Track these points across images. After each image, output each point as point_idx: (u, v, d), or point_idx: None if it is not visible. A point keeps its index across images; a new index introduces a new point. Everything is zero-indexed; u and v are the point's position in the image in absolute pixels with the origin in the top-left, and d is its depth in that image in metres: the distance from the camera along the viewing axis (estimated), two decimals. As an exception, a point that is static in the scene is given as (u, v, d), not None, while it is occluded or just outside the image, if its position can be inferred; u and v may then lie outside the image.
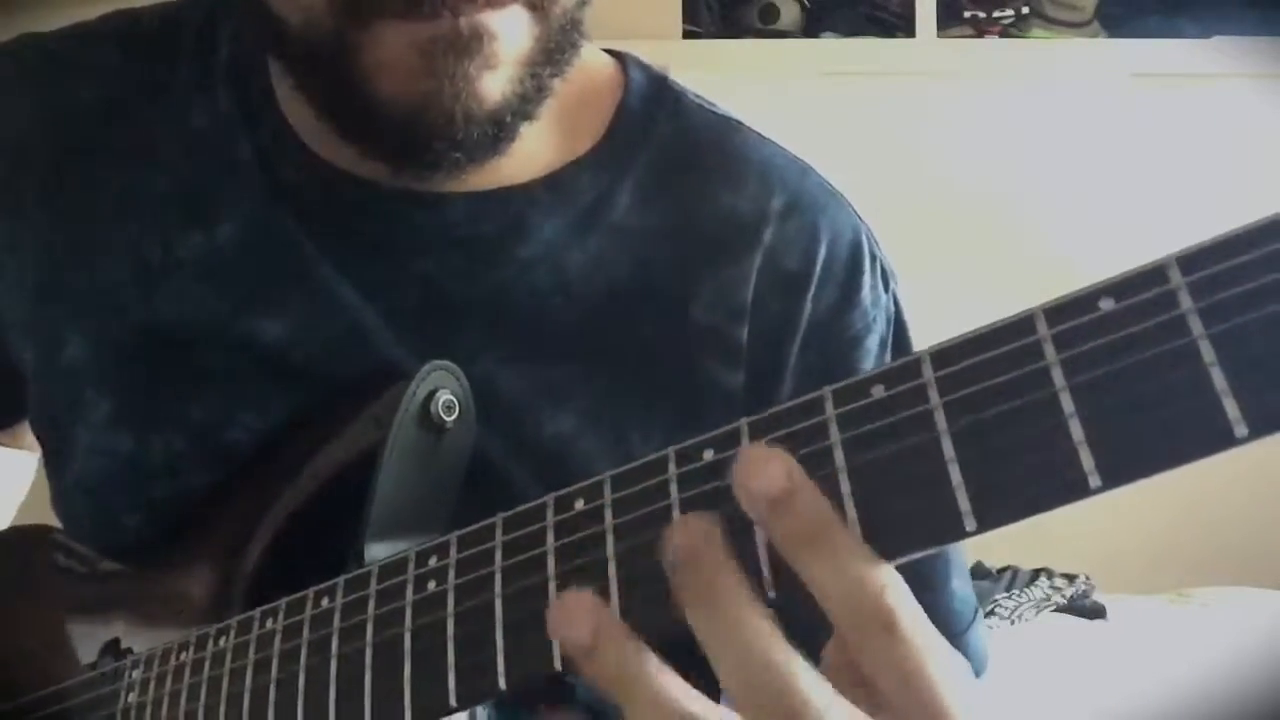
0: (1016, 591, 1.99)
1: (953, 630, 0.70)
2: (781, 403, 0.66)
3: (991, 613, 1.94)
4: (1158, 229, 2.33)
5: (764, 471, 0.38)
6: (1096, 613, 1.96)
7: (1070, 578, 2.02)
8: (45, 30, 0.74)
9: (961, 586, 0.71)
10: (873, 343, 0.69)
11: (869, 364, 0.69)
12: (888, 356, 0.71)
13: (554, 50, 0.59)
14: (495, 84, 0.57)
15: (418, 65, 0.55)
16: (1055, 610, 1.98)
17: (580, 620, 0.40)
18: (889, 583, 0.38)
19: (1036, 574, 2.03)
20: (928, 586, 0.68)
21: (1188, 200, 2.35)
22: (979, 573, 2.05)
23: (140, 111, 0.69)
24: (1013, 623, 1.93)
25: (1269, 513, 2.16)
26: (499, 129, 0.59)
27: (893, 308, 0.71)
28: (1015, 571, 2.05)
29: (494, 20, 0.55)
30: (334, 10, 0.55)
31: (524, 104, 0.59)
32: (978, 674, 0.70)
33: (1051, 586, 2.00)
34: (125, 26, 0.73)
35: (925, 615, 0.39)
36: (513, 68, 0.57)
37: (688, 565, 0.39)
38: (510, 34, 0.56)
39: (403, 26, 0.55)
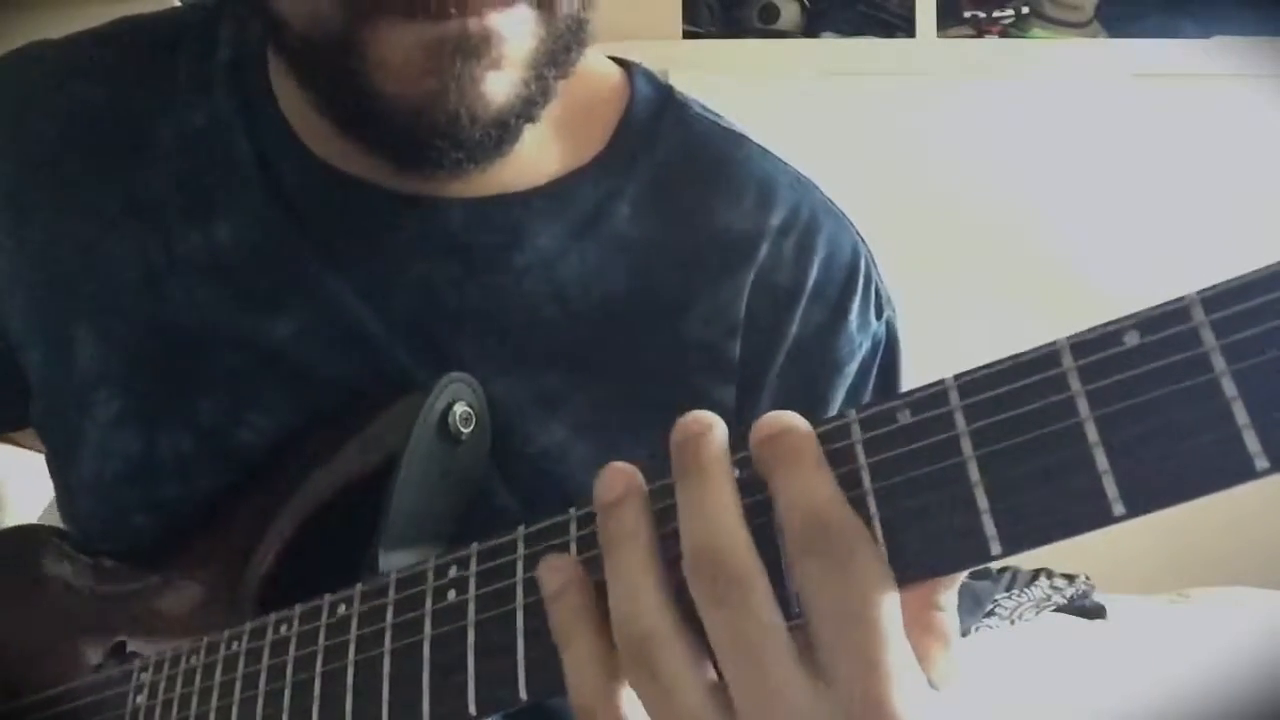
0: (1016, 591, 1.99)
1: None
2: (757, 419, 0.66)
3: (991, 613, 1.94)
4: (1158, 229, 2.34)
5: (789, 442, 0.40)
6: (1096, 613, 1.97)
7: (1070, 578, 2.03)
8: (51, 37, 0.74)
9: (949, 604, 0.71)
10: (852, 369, 0.69)
11: (844, 390, 0.69)
12: (869, 384, 0.70)
13: (558, 51, 0.59)
14: (500, 86, 0.57)
15: (423, 65, 0.55)
16: (1055, 610, 1.98)
17: (559, 565, 0.44)
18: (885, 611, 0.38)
19: (1036, 574, 2.04)
20: None
21: (1188, 200, 2.36)
22: (979, 573, 2.05)
23: (143, 113, 0.69)
24: (1013, 623, 1.94)
25: (1269, 513, 2.16)
26: (503, 130, 0.58)
27: (883, 334, 0.71)
28: (1015, 571, 2.05)
29: (500, 21, 0.55)
30: (339, 9, 0.55)
31: (528, 106, 0.59)
32: None
33: (1051, 586, 2.01)
34: (128, 30, 0.73)
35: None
36: (518, 69, 0.57)
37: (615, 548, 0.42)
38: (516, 34, 0.56)
39: (408, 26, 0.54)
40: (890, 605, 0.38)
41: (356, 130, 0.61)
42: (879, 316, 0.71)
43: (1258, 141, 2.39)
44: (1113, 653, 1.82)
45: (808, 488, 0.39)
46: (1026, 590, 2.00)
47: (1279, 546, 2.20)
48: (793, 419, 0.41)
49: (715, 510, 0.40)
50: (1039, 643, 1.88)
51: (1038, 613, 1.97)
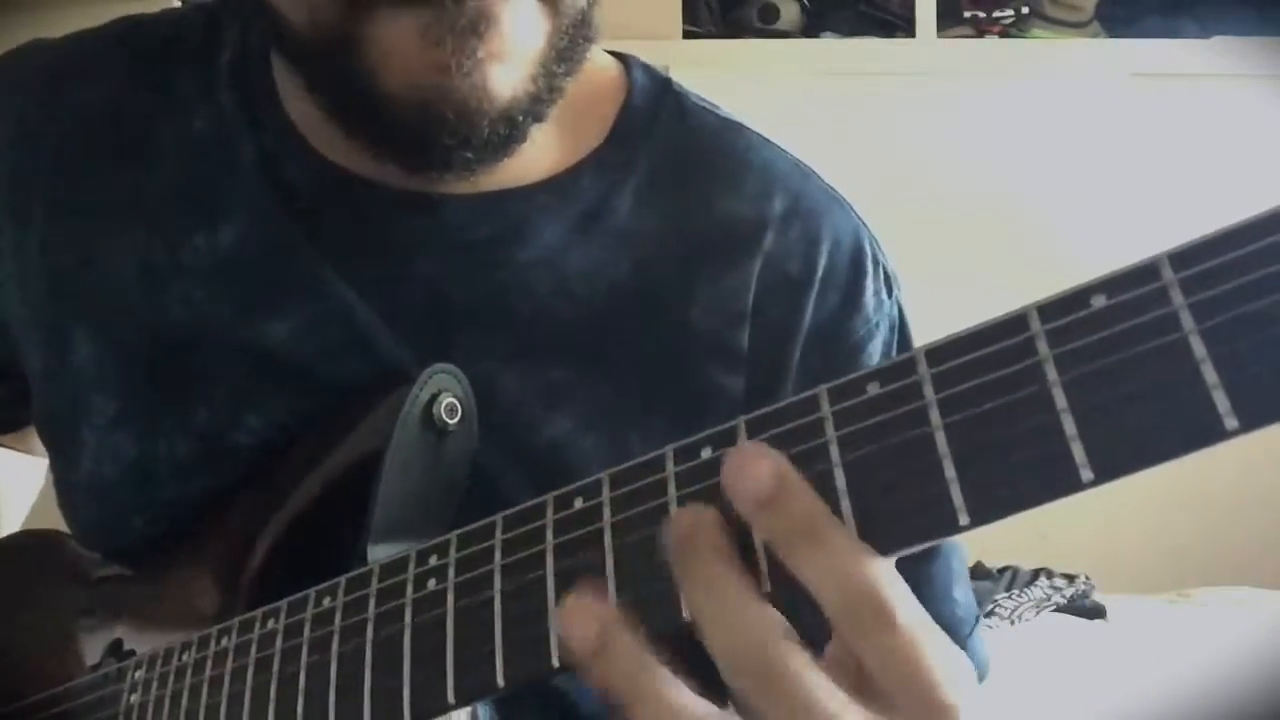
0: (1016, 591, 1.99)
1: (956, 638, 0.70)
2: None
3: (991, 613, 1.94)
4: (1157, 228, 2.33)
5: (752, 472, 0.39)
6: (1096, 613, 1.96)
7: (1070, 578, 2.02)
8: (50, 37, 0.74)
9: (964, 594, 0.71)
10: (875, 348, 0.69)
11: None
12: None
13: (565, 48, 0.59)
14: (506, 80, 0.56)
15: (423, 54, 0.55)
16: (1055, 610, 1.98)
17: (587, 621, 0.41)
18: (885, 579, 0.38)
19: (1036, 574, 2.03)
20: (931, 597, 0.68)
21: (1187, 200, 2.35)
22: (979, 573, 2.05)
23: (144, 114, 0.69)
24: (1013, 623, 1.93)
25: (1269, 513, 2.16)
26: (511, 128, 0.58)
27: (896, 313, 0.71)
28: (1015, 571, 2.05)
29: (501, 10, 0.55)
30: (338, 2, 0.55)
31: (536, 104, 0.59)
32: (980, 680, 0.70)
33: (1051, 586, 2.00)
34: (130, 31, 0.73)
35: (925, 612, 0.39)
36: (525, 66, 0.57)
37: (685, 552, 0.40)
38: (520, 26, 0.56)
39: (406, 13, 0.54)
40: (942, 655, 0.39)
41: (364, 133, 0.61)
42: (890, 295, 0.71)
43: (1258, 141, 2.39)
44: (1113, 653, 1.81)
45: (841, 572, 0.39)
46: (1026, 590, 1.99)
47: (1279, 546, 2.20)
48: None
49: (737, 615, 0.39)
50: (1039, 643, 1.87)
51: (1038, 613, 1.96)
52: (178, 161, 0.68)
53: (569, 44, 0.59)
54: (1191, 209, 2.32)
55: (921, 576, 0.66)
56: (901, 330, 0.71)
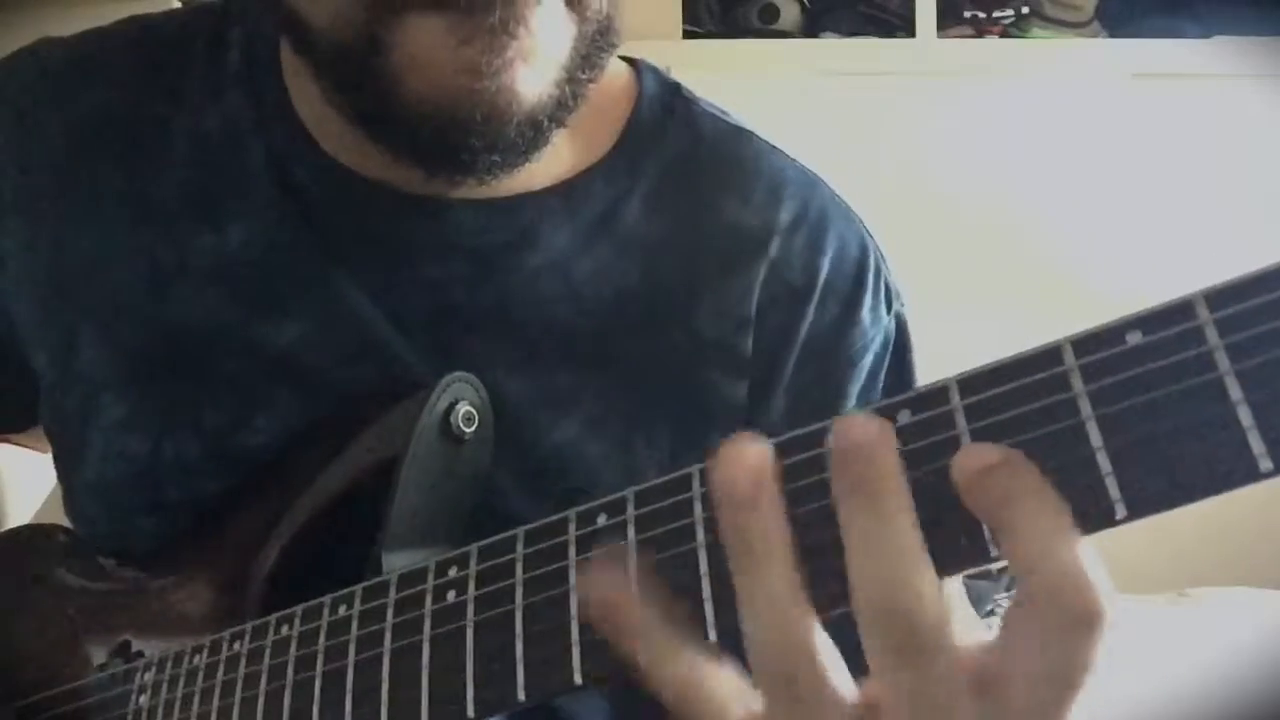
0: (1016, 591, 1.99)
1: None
2: (773, 416, 0.66)
3: (991, 613, 1.94)
4: (1158, 229, 2.34)
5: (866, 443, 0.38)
6: (1097, 613, 1.96)
7: (1070, 578, 2.02)
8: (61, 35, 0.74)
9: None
10: (866, 364, 0.69)
11: (859, 385, 0.69)
12: (880, 379, 0.70)
13: (589, 54, 0.59)
14: (533, 84, 0.56)
15: (453, 55, 0.54)
16: (1055, 610, 1.98)
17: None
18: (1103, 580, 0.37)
19: (1036, 574, 2.03)
20: None
21: (1188, 200, 2.35)
22: (979, 573, 2.05)
23: (153, 115, 0.69)
24: (1013, 623, 1.93)
25: (1269, 513, 2.16)
26: (535, 131, 0.58)
27: (894, 328, 0.71)
28: (1015, 571, 2.05)
29: (531, 11, 0.54)
30: (363, 5, 0.55)
31: (559, 109, 0.58)
32: None
33: (1052, 586, 2.00)
34: (138, 31, 0.73)
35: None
36: (552, 69, 0.57)
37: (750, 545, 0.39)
38: (548, 30, 0.56)
39: (436, 18, 0.54)
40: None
41: (385, 137, 0.60)
42: (889, 310, 0.71)
43: (1258, 141, 2.39)
44: (1113, 653, 1.81)
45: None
46: (1027, 590, 1.99)
47: (1279, 546, 2.20)
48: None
49: (897, 556, 0.37)
50: (1039, 643, 1.87)
51: (1038, 613, 1.96)
52: (186, 162, 0.68)
53: (592, 49, 0.59)
54: (1192, 209, 2.32)
55: None
56: (898, 346, 0.71)
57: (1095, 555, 0.36)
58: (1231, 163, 2.38)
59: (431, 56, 0.55)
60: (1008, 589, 1.99)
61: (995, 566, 2.05)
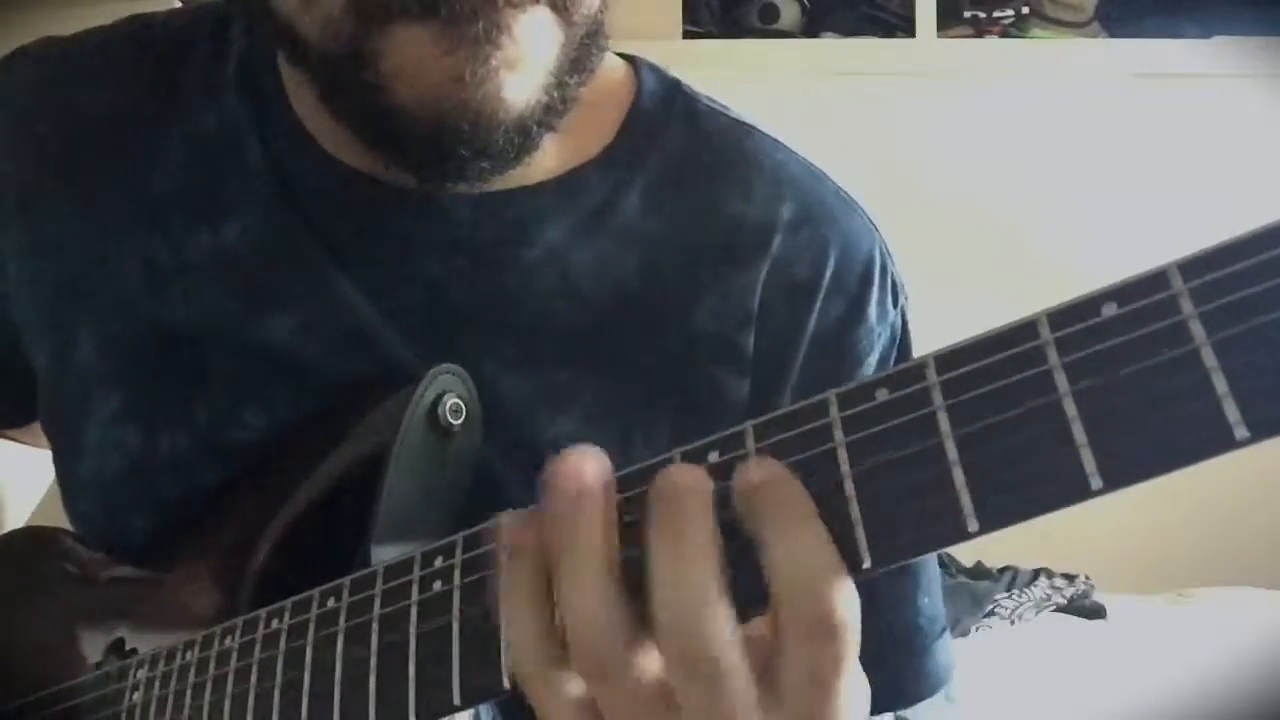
0: (1016, 591, 1.99)
1: (916, 645, 0.70)
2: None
3: (991, 613, 1.94)
4: (1157, 229, 2.33)
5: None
6: (1096, 613, 1.96)
7: (1070, 578, 2.02)
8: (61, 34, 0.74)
9: (930, 604, 0.70)
10: (873, 360, 0.69)
11: None
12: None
13: (578, 58, 0.59)
14: (520, 90, 0.56)
15: (437, 65, 0.54)
16: (1055, 610, 1.98)
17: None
18: (845, 592, 0.39)
19: (1036, 574, 2.03)
20: (895, 602, 0.68)
21: (1187, 201, 2.35)
22: (979, 573, 2.05)
23: (152, 114, 0.69)
24: (1013, 623, 1.93)
25: (1269, 513, 2.16)
26: (524, 137, 0.58)
27: (899, 324, 0.71)
28: (1015, 571, 2.05)
29: (514, 19, 0.55)
30: (350, 16, 0.55)
31: (549, 114, 0.58)
32: (941, 685, 0.70)
33: (1051, 586, 2.00)
34: (139, 30, 0.73)
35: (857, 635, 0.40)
36: (539, 75, 0.57)
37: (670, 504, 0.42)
38: (534, 36, 0.56)
39: (422, 28, 0.54)
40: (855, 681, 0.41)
41: (377, 143, 0.60)
42: (895, 305, 0.70)
43: (1258, 141, 2.39)
44: (1113, 652, 1.81)
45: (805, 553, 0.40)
46: (1026, 590, 1.99)
47: (1279, 546, 2.20)
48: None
49: (691, 591, 0.40)
50: (1039, 643, 1.87)
51: (1038, 613, 1.96)
52: (185, 160, 0.68)
53: (581, 53, 0.59)
54: (1192, 209, 2.32)
55: (888, 585, 0.67)
56: (902, 340, 0.71)
57: (839, 566, 0.39)
58: (1231, 163, 2.38)
59: (418, 66, 0.55)
60: (1008, 589, 1.99)
61: (995, 566, 2.06)
